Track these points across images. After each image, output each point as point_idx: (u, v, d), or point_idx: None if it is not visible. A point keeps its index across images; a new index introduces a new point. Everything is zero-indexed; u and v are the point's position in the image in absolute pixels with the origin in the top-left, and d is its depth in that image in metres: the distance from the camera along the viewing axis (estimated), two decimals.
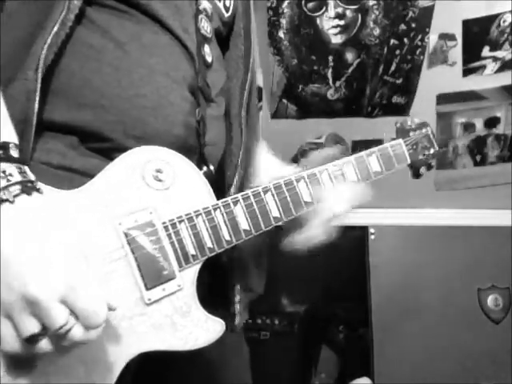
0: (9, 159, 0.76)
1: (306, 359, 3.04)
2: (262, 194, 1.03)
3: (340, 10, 2.49)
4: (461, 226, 2.92)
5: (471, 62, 2.61)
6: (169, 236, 0.91)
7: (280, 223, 1.06)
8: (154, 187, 0.91)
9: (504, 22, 2.51)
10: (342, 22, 2.52)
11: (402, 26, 2.52)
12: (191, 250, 0.93)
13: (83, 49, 0.92)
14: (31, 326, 0.72)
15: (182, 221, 0.93)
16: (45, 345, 0.74)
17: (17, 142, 0.79)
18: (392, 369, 2.79)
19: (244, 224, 1.00)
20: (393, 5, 2.48)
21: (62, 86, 0.91)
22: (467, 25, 2.53)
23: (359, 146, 2.75)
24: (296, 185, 1.08)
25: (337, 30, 2.53)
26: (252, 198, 1.02)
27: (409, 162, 1.26)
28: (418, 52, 2.58)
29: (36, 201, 0.77)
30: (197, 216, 0.94)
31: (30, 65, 0.85)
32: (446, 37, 2.56)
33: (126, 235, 0.87)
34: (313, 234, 1.14)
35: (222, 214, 0.97)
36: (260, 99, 2.69)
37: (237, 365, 1.22)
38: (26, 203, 0.75)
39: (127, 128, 0.93)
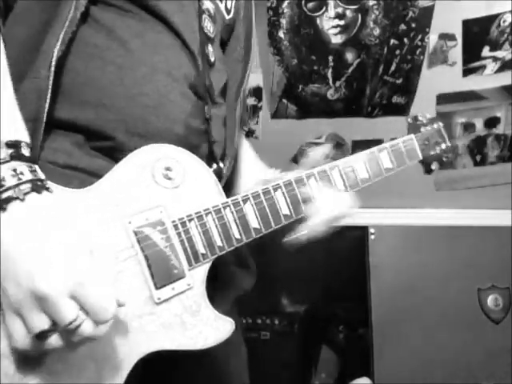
0: (20, 158, 0.76)
1: (306, 359, 3.03)
2: (272, 191, 1.02)
3: (340, 9, 2.49)
4: (461, 225, 2.92)
5: (471, 61, 2.61)
6: (178, 234, 0.91)
7: (290, 221, 1.05)
8: (164, 185, 0.91)
9: (504, 21, 2.51)
10: (342, 22, 2.52)
11: (402, 26, 2.53)
12: (201, 248, 0.93)
13: (87, 47, 0.93)
14: (41, 322, 0.72)
15: (192, 219, 0.92)
16: (55, 341, 0.74)
17: (28, 140, 0.79)
18: (392, 369, 2.79)
19: (254, 222, 0.99)
20: (393, 5, 2.49)
21: (66, 84, 0.91)
22: (467, 25, 2.54)
23: (359, 145, 2.75)
24: (307, 182, 1.07)
25: (337, 30, 2.54)
26: (262, 195, 1.01)
27: (420, 157, 1.24)
28: (418, 52, 2.58)
29: (46, 199, 0.77)
30: (206, 214, 0.94)
31: (42, 63, 0.85)
32: (445, 37, 2.57)
33: (136, 234, 0.87)
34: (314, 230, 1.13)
35: (232, 212, 0.96)
36: (260, 99, 2.69)
37: (236, 364, 1.22)
38: (36, 201, 0.75)
39: (129, 126, 0.93)
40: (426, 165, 1.29)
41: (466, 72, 2.64)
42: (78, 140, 0.92)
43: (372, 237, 2.90)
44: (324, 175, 1.09)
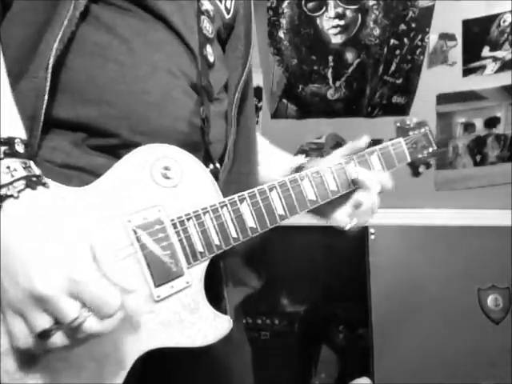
0: (14, 155, 0.76)
1: (306, 359, 3.04)
2: (267, 191, 1.04)
3: (340, 9, 2.49)
4: (461, 225, 2.93)
5: (471, 61, 2.61)
6: (177, 233, 0.91)
7: (284, 220, 1.07)
8: (162, 185, 0.91)
9: (504, 21, 2.51)
10: (342, 22, 2.52)
11: (402, 26, 2.52)
12: (199, 247, 0.93)
13: (88, 45, 0.93)
14: (43, 321, 0.72)
15: (190, 218, 0.93)
16: (59, 339, 0.73)
17: (24, 137, 0.79)
18: (392, 369, 2.79)
19: (250, 222, 1.00)
20: (393, 5, 2.48)
21: (67, 82, 0.91)
22: (467, 25, 2.54)
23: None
24: (300, 183, 1.10)
25: (337, 30, 2.53)
26: (258, 195, 1.02)
27: (409, 160, 1.29)
28: (418, 52, 2.58)
29: (41, 196, 0.77)
30: (204, 213, 0.94)
31: (40, 63, 0.85)
32: (446, 37, 2.56)
33: (135, 232, 0.87)
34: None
35: (229, 212, 0.98)
36: (260, 99, 2.69)
37: (239, 363, 1.22)
38: (30, 198, 0.75)
39: (132, 124, 0.93)
40: (413, 168, 1.33)
41: (466, 72, 2.64)
42: (76, 139, 0.92)
43: (372, 237, 2.90)
44: (317, 177, 1.13)
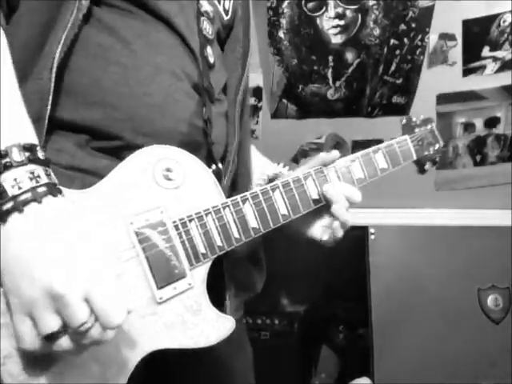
0: (36, 161, 0.76)
1: (306, 359, 3.04)
2: (270, 192, 1.04)
3: (340, 9, 2.49)
4: (461, 225, 2.93)
5: (471, 61, 2.61)
6: (179, 235, 0.91)
7: (288, 221, 1.07)
8: (165, 186, 0.91)
9: (504, 21, 2.51)
10: (342, 22, 2.52)
11: (402, 26, 2.53)
12: (201, 248, 0.93)
13: (91, 48, 0.93)
14: (52, 323, 0.72)
15: (192, 219, 0.93)
16: (64, 343, 0.73)
17: (39, 143, 0.79)
18: (392, 369, 2.79)
19: (253, 222, 1.00)
20: (393, 5, 2.48)
21: (71, 84, 0.91)
22: (467, 25, 2.54)
23: (359, 146, 2.75)
24: (304, 182, 1.09)
25: (337, 30, 2.53)
26: (261, 196, 1.02)
27: (415, 158, 1.27)
28: (418, 52, 2.58)
29: (60, 202, 0.77)
30: (206, 214, 0.94)
31: (45, 64, 0.85)
32: (446, 37, 2.57)
33: (137, 234, 0.87)
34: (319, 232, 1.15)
35: (232, 213, 0.98)
36: (260, 99, 2.69)
37: (242, 364, 1.23)
38: (52, 204, 0.76)
39: (136, 126, 0.94)
40: (419, 165, 1.32)
41: (466, 72, 2.64)
42: (80, 140, 0.92)
43: (372, 237, 2.90)
44: (321, 175, 1.12)
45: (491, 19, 2.52)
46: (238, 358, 1.20)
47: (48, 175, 0.77)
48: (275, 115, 2.74)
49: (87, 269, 0.73)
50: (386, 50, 2.57)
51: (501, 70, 2.63)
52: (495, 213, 2.95)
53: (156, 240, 0.88)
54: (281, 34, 2.52)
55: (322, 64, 2.59)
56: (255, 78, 2.63)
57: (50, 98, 0.85)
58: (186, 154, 0.94)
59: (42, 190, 0.75)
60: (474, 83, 2.68)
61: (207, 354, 0.96)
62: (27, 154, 0.75)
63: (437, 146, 1.33)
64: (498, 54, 2.59)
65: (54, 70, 0.85)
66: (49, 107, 0.85)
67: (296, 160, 2.81)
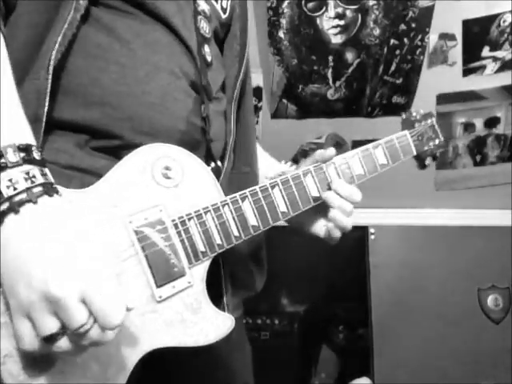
0: (32, 161, 0.76)
1: (306, 359, 3.04)
2: (269, 189, 1.04)
3: (340, 9, 2.49)
4: (461, 225, 2.93)
5: (471, 61, 2.61)
6: (178, 233, 0.91)
7: (287, 218, 1.07)
8: (164, 185, 0.91)
9: (504, 22, 2.51)
10: (342, 22, 2.52)
11: (402, 26, 2.52)
12: (201, 246, 0.94)
13: (90, 48, 0.93)
14: (51, 325, 0.72)
15: (192, 218, 0.93)
16: (63, 344, 0.74)
17: (35, 143, 0.80)
18: (392, 369, 2.79)
19: (252, 220, 1.00)
20: (393, 5, 2.48)
21: (69, 84, 0.92)
22: (467, 25, 2.54)
23: (359, 146, 2.75)
24: (303, 179, 1.09)
25: (337, 30, 2.53)
26: (260, 193, 1.02)
27: (415, 153, 1.26)
28: (418, 52, 2.58)
29: (56, 202, 0.77)
30: (206, 213, 0.95)
31: (42, 64, 0.85)
32: (446, 37, 2.56)
33: (137, 233, 0.87)
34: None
35: (231, 211, 0.98)
36: (260, 99, 2.69)
37: (240, 363, 1.23)
38: (47, 204, 0.76)
39: (135, 124, 0.94)
40: (420, 160, 1.31)
41: (466, 72, 2.64)
42: (79, 140, 0.92)
43: (372, 237, 2.91)
44: (320, 172, 1.11)
45: (491, 19, 2.52)
46: (237, 357, 1.20)
47: (44, 175, 0.77)
48: (275, 115, 2.74)
49: (84, 269, 0.73)
50: (385, 49, 2.56)
51: (501, 70, 2.63)
52: (495, 213, 2.95)
53: (155, 238, 0.89)
54: (281, 34, 2.52)
55: (322, 64, 2.59)
56: (255, 78, 2.63)
57: (47, 97, 0.85)
58: (185, 152, 0.94)
59: (37, 190, 0.75)
60: (473, 83, 2.67)
61: (206, 353, 0.96)
62: (22, 154, 0.75)
63: (437, 141, 1.32)
64: (498, 54, 2.59)
65: (51, 69, 0.85)
66: (46, 107, 0.85)
67: (296, 160, 2.80)
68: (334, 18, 2.51)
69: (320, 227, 1.17)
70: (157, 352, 0.89)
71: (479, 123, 2.78)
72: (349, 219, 1.12)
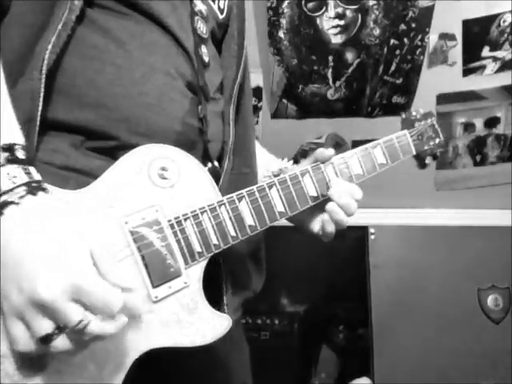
0: (15, 161, 0.76)
1: (306, 359, 3.04)
2: (266, 189, 1.04)
3: (340, 9, 2.49)
4: (461, 225, 2.93)
5: (471, 61, 2.61)
6: (174, 234, 0.91)
7: (285, 218, 1.07)
8: (160, 185, 0.91)
9: (504, 21, 2.51)
10: (342, 22, 2.51)
11: (402, 26, 2.52)
12: (197, 247, 0.93)
13: (85, 49, 0.93)
14: (45, 326, 0.72)
15: (188, 218, 0.93)
16: (61, 343, 0.73)
17: (23, 142, 0.79)
18: (392, 369, 2.80)
19: (249, 219, 1.00)
20: (393, 5, 2.48)
21: (65, 85, 0.92)
22: (467, 25, 2.53)
23: (359, 146, 2.75)
24: (301, 179, 1.09)
25: (337, 30, 2.53)
26: (257, 193, 1.02)
27: (414, 153, 1.26)
28: (418, 52, 2.58)
29: (41, 201, 0.77)
30: (202, 213, 0.94)
31: (35, 65, 0.85)
32: (446, 37, 2.56)
33: (132, 233, 0.87)
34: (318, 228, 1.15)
35: (227, 211, 0.97)
36: (260, 99, 2.69)
37: (238, 363, 1.22)
38: (31, 204, 0.75)
39: (131, 126, 0.94)
40: (419, 160, 1.30)
41: (466, 72, 2.64)
42: (75, 141, 0.92)
43: (372, 237, 2.91)
44: (318, 172, 1.11)
45: (491, 19, 2.52)
46: (235, 357, 1.20)
47: (27, 174, 0.77)
48: (275, 115, 2.74)
49: (74, 262, 0.73)
50: (385, 50, 2.56)
51: (501, 70, 2.63)
52: (495, 213, 2.95)
53: (151, 239, 0.88)
54: (281, 34, 2.52)
55: (322, 64, 2.59)
56: (255, 78, 2.63)
57: (41, 98, 0.85)
58: (182, 152, 0.94)
59: (19, 190, 0.75)
60: (473, 83, 2.67)
61: (204, 353, 0.96)
62: (5, 154, 0.75)
63: (437, 140, 1.31)
64: (498, 53, 2.58)
65: (44, 70, 0.85)
66: (40, 107, 0.85)
67: (296, 160, 2.80)
68: (334, 18, 2.50)
69: (315, 223, 1.16)
70: (154, 352, 0.89)
71: (479, 123, 2.78)
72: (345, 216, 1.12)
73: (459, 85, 2.68)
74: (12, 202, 0.74)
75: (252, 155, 1.24)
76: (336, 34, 2.53)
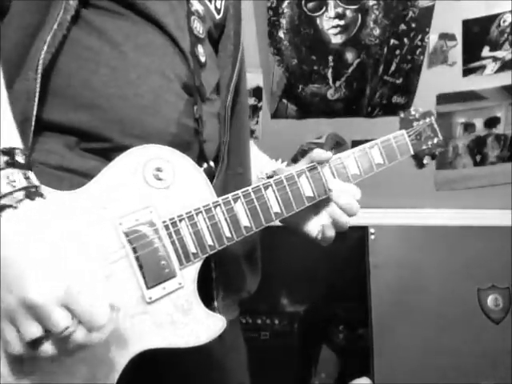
0: (14, 165, 0.76)
1: (306, 359, 3.04)
2: (262, 189, 1.03)
3: (340, 9, 2.48)
4: (461, 225, 2.93)
5: (471, 61, 2.61)
6: (169, 235, 0.91)
7: (281, 218, 1.06)
8: (155, 186, 0.91)
9: (504, 21, 2.51)
10: (342, 22, 2.51)
11: (402, 26, 2.52)
12: (192, 248, 0.93)
13: (80, 50, 0.93)
14: (33, 330, 0.72)
15: (183, 219, 0.92)
16: (49, 348, 0.74)
17: (22, 146, 0.80)
18: (392, 369, 2.79)
19: (245, 221, 1.00)
20: (393, 5, 2.48)
21: (60, 86, 0.92)
22: (467, 25, 2.53)
23: (359, 145, 2.75)
24: (297, 179, 1.08)
25: (337, 30, 2.53)
26: (253, 194, 1.01)
27: (412, 153, 1.25)
28: (418, 52, 2.57)
29: (39, 206, 0.77)
30: (197, 214, 0.94)
31: (31, 65, 0.86)
32: (446, 37, 2.56)
33: (127, 235, 0.87)
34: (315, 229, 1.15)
35: (223, 212, 0.97)
36: (260, 99, 2.69)
37: (235, 364, 1.22)
38: (28, 209, 0.76)
39: (125, 127, 0.94)
40: (418, 159, 1.29)
41: (466, 72, 2.63)
42: (69, 141, 0.92)
43: (372, 237, 2.90)
44: (315, 172, 1.11)
45: (491, 19, 2.52)
46: (232, 358, 1.19)
47: (27, 178, 0.77)
48: (275, 115, 2.74)
49: (67, 269, 0.73)
50: (385, 49, 2.56)
51: (501, 70, 2.62)
52: (495, 213, 2.95)
53: (146, 240, 0.88)
54: (281, 34, 2.51)
55: (322, 64, 2.59)
56: (255, 78, 2.63)
57: (36, 98, 0.85)
58: (177, 152, 0.94)
59: (18, 194, 0.75)
60: (473, 83, 2.67)
61: (199, 354, 0.96)
62: (5, 158, 0.76)
63: (436, 140, 1.30)
64: (498, 53, 2.58)
65: (40, 70, 0.85)
66: (35, 108, 0.85)
67: (296, 160, 2.80)
68: (334, 18, 2.50)
69: (313, 227, 1.16)
70: (149, 353, 0.89)
71: (479, 123, 2.78)
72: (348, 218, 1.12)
73: (459, 85, 2.68)
74: (10, 206, 0.74)
75: (247, 155, 1.24)
76: (336, 34, 2.53)
